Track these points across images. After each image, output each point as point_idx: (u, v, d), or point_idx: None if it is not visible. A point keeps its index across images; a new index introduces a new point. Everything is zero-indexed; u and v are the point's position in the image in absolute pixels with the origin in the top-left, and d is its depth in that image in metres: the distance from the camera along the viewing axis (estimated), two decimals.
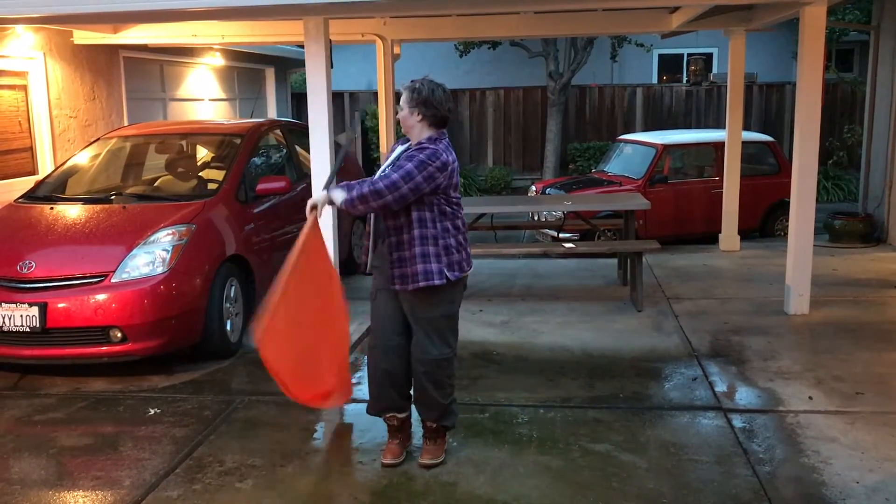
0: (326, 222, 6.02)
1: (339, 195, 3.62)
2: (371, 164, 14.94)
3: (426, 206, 3.65)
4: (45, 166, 8.13)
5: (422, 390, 3.82)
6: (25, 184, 7.11)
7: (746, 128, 10.33)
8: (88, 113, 8.92)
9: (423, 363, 3.76)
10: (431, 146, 3.65)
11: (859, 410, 4.48)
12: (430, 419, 3.90)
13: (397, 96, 3.81)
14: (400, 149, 3.84)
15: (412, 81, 3.75)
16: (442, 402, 3.83)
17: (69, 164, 6.78)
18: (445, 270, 3.67)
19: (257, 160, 6.80)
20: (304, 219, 3.82)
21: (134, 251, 5.18)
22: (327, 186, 3.78)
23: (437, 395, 3.81)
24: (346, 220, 7.32)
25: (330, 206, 3.74)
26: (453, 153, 3.72)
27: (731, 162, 8.91)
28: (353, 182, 3.67)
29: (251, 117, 12.32)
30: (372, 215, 3.77)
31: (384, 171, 3.78)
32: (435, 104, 3.69)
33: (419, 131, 3.72)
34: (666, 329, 6.08)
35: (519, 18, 8.74)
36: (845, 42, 16.28)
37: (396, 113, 3.78)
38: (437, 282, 3.65)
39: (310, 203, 3.73)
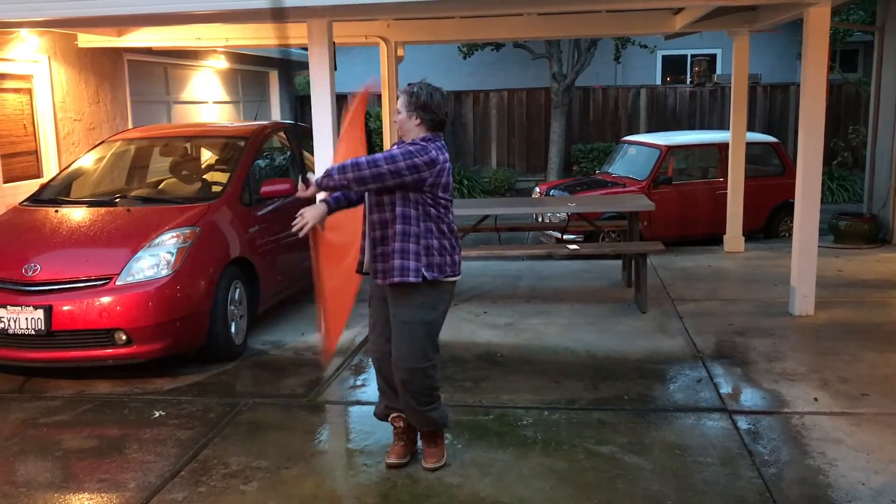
0: None
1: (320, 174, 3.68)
2: None
3: (411, 204, 3.62)
4: (50, 169, 8.15)
5: (402, 397, 3.80)
6: (30, 187, 7.14)
7: (750, 129, 10.32)
8: (93, 116, 8.94)
9: (400, 370, 3.71)
10: (422, 143, 3.65)
11: (865, 412, 4.46)
12: (415, 424, 3.91)
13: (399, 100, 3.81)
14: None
15: (410, 85, 3.74)
16: (419, 408, 3.78)
17: (74, 167, 6.79)
18: (423, 270, 3.63)
19: (261, 163, 6.81)
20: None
21: (138, 254, 5.19)
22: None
23: (414, 403, 3.76)
24: None
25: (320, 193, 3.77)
26: (446, 154, 3.70)
27: (736, 163, 8.90)
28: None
29: (255, 120, 12.35)
30: (366, 214, 3.75)
31: None
32: (433, 108, 3.68)
33: (416, 135, 3.71)
34: (670, 330, 6.07)
35: (522, 20, 8.74)
36: (850, 42, 16.27)
37: (398, 115, 3.77)
38: (412, 279, 3.61)
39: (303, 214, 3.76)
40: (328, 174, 3.58)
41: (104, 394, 5.09)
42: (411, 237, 3.63)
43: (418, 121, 3.68)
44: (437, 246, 3.69)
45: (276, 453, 4.12)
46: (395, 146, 3.90)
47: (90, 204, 6.03)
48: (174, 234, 5.36)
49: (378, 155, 3.56)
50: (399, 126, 3.75)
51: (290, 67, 13.23)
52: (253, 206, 6.18)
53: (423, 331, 3.70)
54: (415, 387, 3.72)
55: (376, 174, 3.51)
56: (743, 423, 4.37)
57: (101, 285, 5.07)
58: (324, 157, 6.07)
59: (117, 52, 9.29)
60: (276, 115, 14.24)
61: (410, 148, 3.59)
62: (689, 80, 17.93)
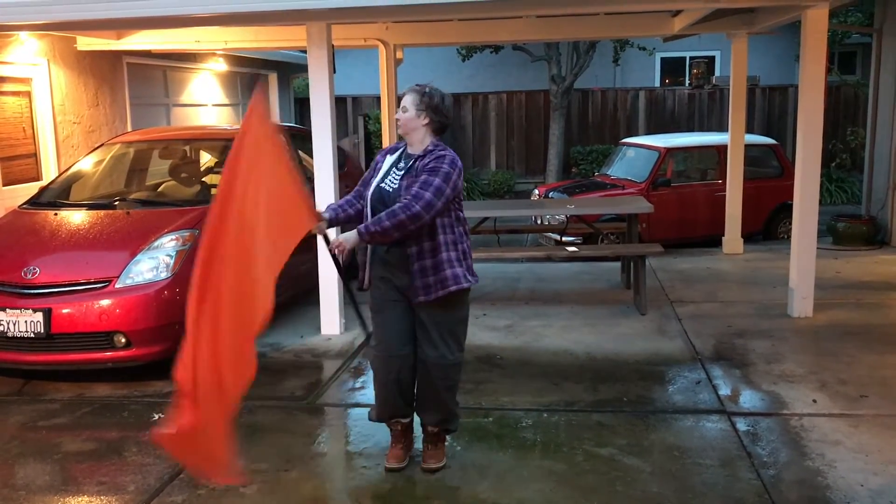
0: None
1: (363, 231, 3.50)
2: None
3: (446, 212, 3.63)
4: (49, 172, 8.15)
5: (434, 395, 3.80)
6: (29, 190, 7.14)
7: (749, 131, 10.31)
8: (92, 119, 8.94)
9: (441, 368, 3.72)
10: (446, 152, 3.63)
11: (864, 413, 4.47)
12: (434, 423, 3.89)
13: (399, 100, 3.78)
14: (391, 158, 3.77)
15: (420, 85, 3.71)
16: (451, 405, 3.85)
17: (73, 169, 6.79)
18: (467, 274, 3.72)
19: None
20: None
21: (138, 257, 5.19)
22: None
23: (448, 399, 3.82)
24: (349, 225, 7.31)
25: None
26: None
27: (734, 165, 8.91)
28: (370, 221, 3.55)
29: None
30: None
31: (382, 181, 3.70)
32: (443, 112, 3.68)
33: (422, 136, 3.69)
34: (669, 332, 6.08)
35: (521, 22, 8.75)
36: (848, 44, 16.28)
37: (403, 109, 3.69)
38: (465, 284, 3.68)
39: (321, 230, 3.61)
40: (384, 233, 3.47)
41: (103, 396, 5.09)
42: (450, 245, 3.66)
43: (426, 121, 3.67)
44: (467, 248, 3.78)
45: (276, 456, 4.12)
46: (386, 153, 3.84)
47: (89, 207, 6.03)
48: (173, 237, 5.36)
49: (427, 196, 3.48)
50: (403, 123, 3.69)
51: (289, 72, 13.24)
52: None
53: (461, 328, 3.82)
54: (451, 381, 3.79)
55: (434, 214, 3.53)
56: (742, 424, 4.37)
57: (100, 288, 5.07)
58: (324, 159, 6.07)
59: (116, 55, 9.29)
60: (275, 117, 14.24)
61: (445, 168, 3.56)
62: (687, 82, 17.96)
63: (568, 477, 3.82)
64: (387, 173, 3.73)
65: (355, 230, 3.54)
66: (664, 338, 5.95)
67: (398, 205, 3.50)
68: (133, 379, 5.29)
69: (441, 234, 3.63)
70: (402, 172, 3.67)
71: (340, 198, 4.36)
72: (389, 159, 3.79)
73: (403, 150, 3.77)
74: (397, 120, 3.73)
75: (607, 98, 16.84)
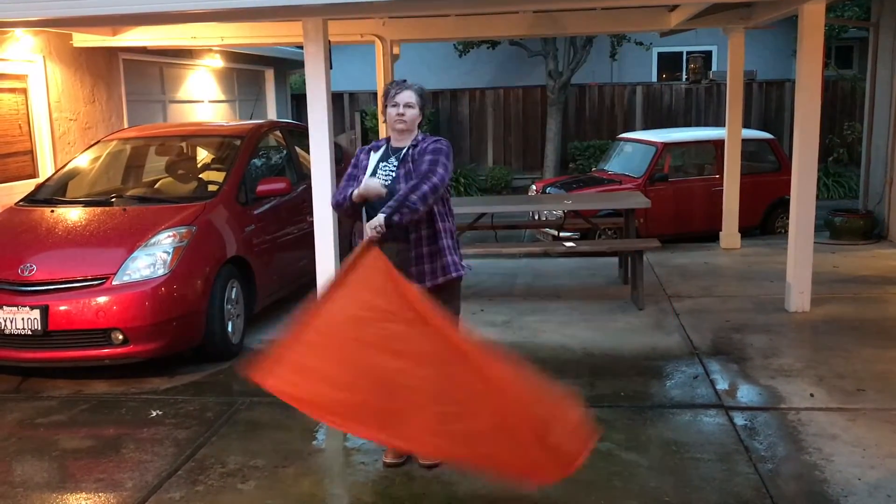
0: (326, 224, 6.02)
1: (389, 213, 3.49)
2: None
3: (441, 201, 3.70)
4: (46, 169, 8.13)
5: None
6: (26, 187, 7.12)
7: (746, 125, 10.32)
8: (88, 115, 8.92)
9: None
10: (439, 138, 3.74)
11: (861, 407, 4.48)
12: None
13: (386, 95, 3.81)
14: (376, 155, 3.79)
15: (405, 82, 3.78)
16: None
17: (69, 166, 6.78)
18: (461, 263, 3.77)
19: (257, 162, 6.80)
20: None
21: (135, 253, 5.19)
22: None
23: None
24: (347, 221, 7.31)
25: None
26: None
27: (732, 160, 8.91)
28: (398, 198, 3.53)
29: (251, 119, 12.33)
30: (365, 218, 3.71)
31: (373, 175, 3.71)
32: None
33: (415, 130, 3.77)
34: (667, 327, 6.08)
35: (518, 18, 8.74)
36: (845, 39, 16.26)
37: (408, 106, 3.73)
38: (462, 272, 3.74)
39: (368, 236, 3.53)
40: (414, 208, 3.48)
41: (101, 393, 5.09)
42: (448, 233, 3.72)
43: (421, 117, 3.79)
44: (458, 239, 3.86)
45: (274, 452, 4.12)
46: (369, 150, 3.87)
47: (86, 204, 6.02)
48: (170, 234, 5.36)
49: (440, 170, 3.60)
50: (410, 121, 3.74)
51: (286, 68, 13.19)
52: (249, 205, 6.17)
53: (455, 320, 3.79)
54: None
55: (445, 187, 3.62)
56: (739, 419, 4.38)
57: (97, 285, 5.06)
58: (321, 156, 6.05)
59: (112, 52, 9.27)
60: (271, 113, 14.23)
61: (444, 149, 3.68)
62: (684, 77, 17.96)
63: None
64: (375, 169, 3.75)
65: (380, 214, 3.50)
66: (662, 333, 5.96)
67: (415, 181, 3.56)
68: (130, 376, 5.28)
69: (440, 221, 3.68)
70: (397, 164, 3.71)
71: None
72: (374, 156, 3.81)
73: (388, 146, 3.80)
74: (401, 115, 3.72)
75: (604, 93, 16.82)
